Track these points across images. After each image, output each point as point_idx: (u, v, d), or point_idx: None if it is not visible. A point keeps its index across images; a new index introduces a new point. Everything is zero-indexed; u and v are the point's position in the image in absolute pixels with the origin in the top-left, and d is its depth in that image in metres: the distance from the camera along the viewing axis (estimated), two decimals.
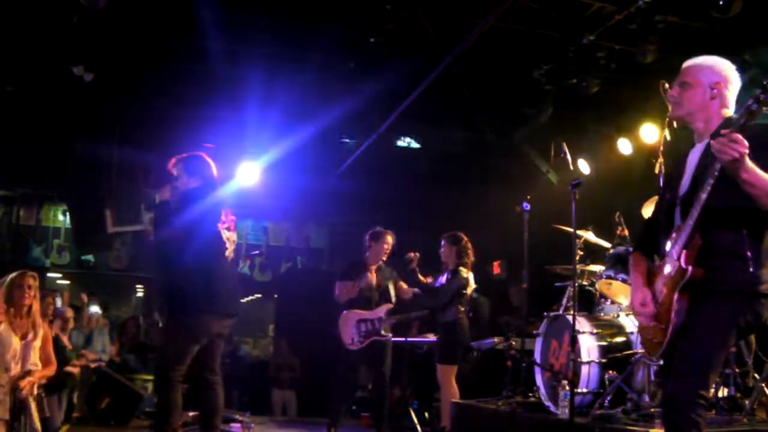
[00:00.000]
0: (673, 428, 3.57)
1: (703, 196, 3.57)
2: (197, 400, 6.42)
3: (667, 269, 3.76)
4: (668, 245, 3.81)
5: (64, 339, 9.78)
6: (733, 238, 3.62)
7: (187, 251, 6.08)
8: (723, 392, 6.21)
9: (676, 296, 3.65)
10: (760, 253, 3.64)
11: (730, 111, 3.89)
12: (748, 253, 3.60)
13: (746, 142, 3.32)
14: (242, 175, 12.31)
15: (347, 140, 12.73)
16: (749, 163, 3.36)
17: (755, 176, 3.39)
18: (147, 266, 14.64)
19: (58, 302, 10.77)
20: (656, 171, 6.62)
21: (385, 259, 9.14)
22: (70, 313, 10.36)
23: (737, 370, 6.27)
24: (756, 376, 6.49)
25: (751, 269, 3.59)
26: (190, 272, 6.07)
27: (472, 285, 8.98)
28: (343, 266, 9.36)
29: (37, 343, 6.51)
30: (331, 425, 8.77)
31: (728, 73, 3.92)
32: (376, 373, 9.03)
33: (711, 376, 3.60)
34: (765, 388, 6.26)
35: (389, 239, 9.09)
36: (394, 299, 8.99)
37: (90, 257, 15.27)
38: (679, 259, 3.66)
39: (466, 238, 8.83)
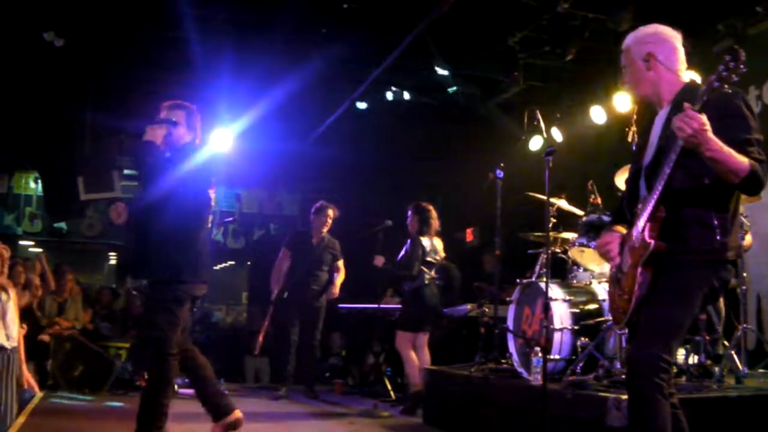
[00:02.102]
0: (636, 392, 3.60)
1: (667, 170, 3.57)
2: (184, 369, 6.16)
3: (633, 240, 3.79)
4: (635, 216, 3.84)
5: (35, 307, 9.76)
6: (698, 208, 3.64)
7: (179, 213, 5.72)
8: (693, 359, 6.28)
9: (639, 269, 3.69)
10: (727, 221, 3.67)
11: (682, 68, 3.90)
12: (715, 222, 3.63)
13: (703, 119, 3.33)
14: (215, 142, 12.26)
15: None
16: (712, 139, 3.38)
17: (719, 152, 3.40)
18: (120, 234, 14.56)
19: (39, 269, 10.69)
20: (629, 139, 6.67)
21: (325, 230, 10.03)
22: (38, 281, 10.31)
23: (707, 337, 6.33)
24: (726, 343, 6.58)
25: (718, 237, 3.62)
26: (181, 237, 5.74)
27: (441, 253, 9.03)
28: (289, 235, 10.04)
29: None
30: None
31: (655, 36, 3.92)
32: (305, 336, 9.76)
33: (674, 341, 3.63)
34: (734, 355, 6.35)
35: (330, 213, 10.02)
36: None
37: (62, 225, 15.17)
38: (643, 231, 3.69)
39: (431, 208, 8.93)
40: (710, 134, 3.37)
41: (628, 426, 3.74)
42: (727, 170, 3.46)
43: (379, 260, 9.06)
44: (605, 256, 4.06)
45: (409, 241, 8.84)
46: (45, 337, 9.91)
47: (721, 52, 3.41)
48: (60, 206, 13.05)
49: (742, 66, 3.35)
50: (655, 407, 3.50)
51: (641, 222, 3.72)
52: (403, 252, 8.85)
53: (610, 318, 6.34)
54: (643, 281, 3.68)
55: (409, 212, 8.96)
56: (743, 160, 3.44)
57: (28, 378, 6.71)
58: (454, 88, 11.11)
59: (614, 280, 3.97)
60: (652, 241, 3.63)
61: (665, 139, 3.72)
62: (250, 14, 9.64)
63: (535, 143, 10.19)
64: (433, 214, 8.94)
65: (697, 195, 3.63)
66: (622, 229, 4.05)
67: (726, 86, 3.40)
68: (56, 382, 9.79)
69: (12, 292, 6.70)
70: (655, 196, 3.64)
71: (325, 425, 7.96)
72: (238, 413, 5.90)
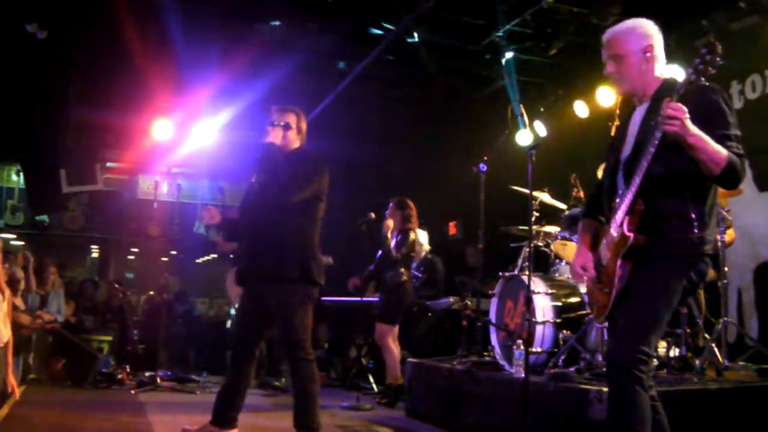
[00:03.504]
0: (616, 385, 3.62)
1: (645, 164, 3.59)
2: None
3: (611, 234, 3.80)
4: (612, 209, 3.85)
5: (17, 301, 9.70)
6: (676, 201, 3.65)
7: (313, 216, 5.74)
8: (674, 352, 6.32)
9: (619, 262, 3.71)
10: (704, 214, 3.68)
11: (662, 67, 3.91)
12: (693, 215, 3.65)
13: (684, 109, 3.35)
14: (198, 135, 12.24)
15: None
16: (693, 128, 3.39)
17: (702, 141, 3.42)
18: (103, 227, 14.54)
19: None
20: (612, 134, 6.68)
21: None
22: (21, 274, 10.27)
23: (688, 330, 6.37)
24: (706, 336, 6.62)
25: (695, 231, 3.64)
26: (314, 239, 5.73)
27: (426, 246, 9.05)
28: None
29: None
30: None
31: (652, 30, 3.91)
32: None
33: (654, 334, 3.64)
34: (715, 348, 6.39)
35: None
36: None
37: (45, 218, 15.11)
38: (622, 225, 3.70)
39: (412, 204, 8.94)
40: (691, 125, 3.38)
41: (608, 418, 3.74)
42: (707, 159, 3.47)
43: (354, 282, 9.16)
44: (578, 278, 4.10)
45: (399, 236, 8.83)
46: (28, 331, 9.86)
47: (699, 45, 3.39)
48: (42, 199, 12.99)
49: (718, 59, 3.36)
50: (634, 399, 3.52)
51: (620, 215, 3.74)
52: (394, 244, 8.82)
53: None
54: (623, 275, 3.70)
55: (391, 205, 8.97)
56: (722, 150, 3.46)
57: (12, 382, 6.66)
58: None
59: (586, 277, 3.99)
60: (632, 235, 3.64)
61: (644, 134, 3.73)
62: (235, 6, 9.61)
63: (520, 137, 10.21)
64: (414, 211, 8.97)
65: (675, 189, 3.64)
66: (591, 230, 4.11)
67: (703, 79, 3.42)
68: (38, 376, 9.76)
69: (7, 293, 6.66)
70: (634, 190, 3.65)
71: None
72: None
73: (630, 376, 3.53)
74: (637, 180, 3.62)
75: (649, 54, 3.85)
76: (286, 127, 5.79)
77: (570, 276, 7.23)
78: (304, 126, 5.98)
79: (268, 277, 5.55)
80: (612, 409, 3.69)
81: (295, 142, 5.87)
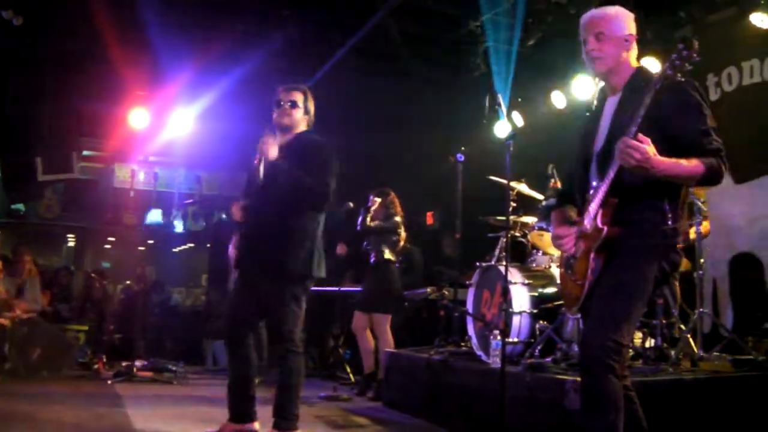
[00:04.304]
0: (589, 374, 3.62)
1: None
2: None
3: (585, 225, 3.80)
4: (586, 201, 3.85)
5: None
6: (650, 193, 3.65)
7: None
8: (650, 342, 6.36)
9: (592, 255, 3.71)
10: (677, 206, 3.71)
11: (634, 61, 3.91)
12: (666, 207, 3.66)
13: (644, 148, 3.37)
14: (175, 124, 12.18)
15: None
16: (659, 163, 3.42)
17: (670, 171, 3.47)
18: (79, 216, 14.44)
19: None
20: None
21: None
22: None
23: (664, 321, 6.40)
24: (682, 327, 6.67)
25: (669, 222, 3.66)
26: (318, 230, 5.60)
27: (403, 235, 9.05)
28: None
29: None
30: None
31: (633, 23, 3.91)
32: None
33: (626, 324, 3.61)
34: (690, 339, 6.43)
35: None
36: None
37: (20, 206, 14.98)
38: (595, 218, 3.70)
39: (393, 194, 8.92)
40: (655, 159, 3.41)
41: (581, 407, 3.75)
42: (682, 179, 3.55)
43: (342, 248, 9.07)
44: (559, 248, 4.07)
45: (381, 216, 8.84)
46: (3, 321, 9.79)
47: (675, 40, 3.39)
48: (17, 187, 12.89)
49: (695, 55, 3.38)
50: (607, 388, 3.52)
51: (593, 207, 3.73)
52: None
53: None
54: (596, 267, 3.71)
55: (371, 197, 8.94)
56: (695, 166, 3.49)
57: None
58: None
59: (567, 266, 3.98)
60: (605, 228, 3.64)
61: (617, 126, 3.72)
62: None
63: (498, 128, 10.22)
64: (396, 200, 8.96)
65: (648, 182, 3.60)
66: (573, 215, 4.06)
67: (679, 75, 3.43)
68: (14, 366, 9.68)
69: None
70: (607, 183, 3.65)
71: None
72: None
73: (602, 365, 3.52)
74: (610, 173, 3.62)
75: (628, 43, 3.85)
76: (293, 105, 5.62)
77: (547, 267, 7.26)
78: (312, 107, 5.76)
79: (271, 273, 5.41)
80: (585, 399, 3.69)
81: (301, 123, 5.70)
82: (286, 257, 5.38)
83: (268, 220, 5.43)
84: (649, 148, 3.39)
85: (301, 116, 5.67)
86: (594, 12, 3.96)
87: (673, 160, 3.47)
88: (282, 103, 5.61)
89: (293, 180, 5.36)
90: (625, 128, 3.53)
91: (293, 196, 5.39)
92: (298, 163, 5.40)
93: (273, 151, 5.41)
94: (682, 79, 3.50)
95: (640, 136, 3.41)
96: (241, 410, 5.51)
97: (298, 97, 5.64)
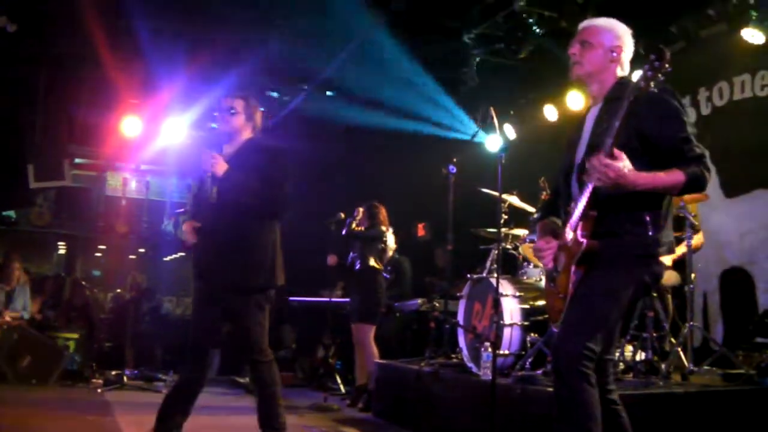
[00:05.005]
0: (561, 382, 3.58)
1: None
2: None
3: (566, 238, 3.79)
4: (568, 214, 3.84)
5: None
6: (630, 205, 3.63)
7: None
8: (640, 356, 6.37)
9: (573, 268, 3.70)
10: (659, 216, 3.69)
11: (623, 73, 3.92)
12: (647, 218, 3.65)
13: (617, 165, 3.40)
14: (167, 132, 12.18)
15: (274, 94, 12.58)
16: (637, 177, 3.45)
17: (650, 184, 3.49)
18: (70, 223, 14.39)
19: None
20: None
21: None
22: None
23: (654, 334, 6.42)
24: (673, 340, 6.69)
25: (650, 233, 3.65)
26: (277, 239, 5.48)
27: (393, 246, 9.06)
28: None
29: None
30: None
31: (626, 37, 3.93)
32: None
33: (600, 331, 3.59)
34: (681, 352, 6.44)
35: None
36: None
37: (11, 213, 14.94)
38: (576, 230, 3.69)
39: (381, 206, 8.94)
40: (631, 175, 3.43)
41: (556, 415, 3.66)
42: (664, 190, 3.57)
43: (332, 259, 9.06)
44: (540, 260, 4.08)
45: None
46: None
47: (647, 50, 3.37)
48: (9, 194, 12.86)
49: (667, 65, 3.38)
50: (581, 396, 3.49)
51: (574, 220, 3.72)
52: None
53: None
54: (577, 280, 3.69)
55: (361, 210, 8.94)
56: (675, 176, 3.50)
57: None
58: None
59: (550, 279, 3.98)
60: (585, 240, 3.63)
61: (597, 137, 3.71)
62: (204, 2, 9.57)
63: (490, 141, 10.24)
64: (384, 212, 8.98)
65: (629, 193, 3.57)
66: (557, 227, 4.04)
67: (652, 85, 3.42)
68: (3, 373, 9.65)
69: None
70: (587, 195, 3.63)
71: None
72: None
73: (576, 372, 3.49)
74: (590, 186, 3.60)
75: (615, 54, 3.87)
76: (232, 112, 5.42)
77: (538, 279, 7.28)
78: (256, 114, 5.57)
79: (232, 286, 5.30)
80: (560, 408, 3.62)
81: (244, 130, 5.50)
82: (248, 272, 5.30)
83: (228, 237, 5.29)
84: (624, 164, 3.41)
85: (242, 123, 5.48)
86: (587, 21, 4.02)
87: (651, 173, 3.48)
88: (222, 110, 5.48)
89: (251, 192, 5.26)
90: (604, 138, 3.53)
91: (252, 208, 5.30)
92: (251, 172, 5.28)
93: (221, 167, 5.29)
94: (656, 90, 3.49)
95: (616, 151, 3.42)
96: (171, 425, 5.29)
97: (238, 104, 5.46)
